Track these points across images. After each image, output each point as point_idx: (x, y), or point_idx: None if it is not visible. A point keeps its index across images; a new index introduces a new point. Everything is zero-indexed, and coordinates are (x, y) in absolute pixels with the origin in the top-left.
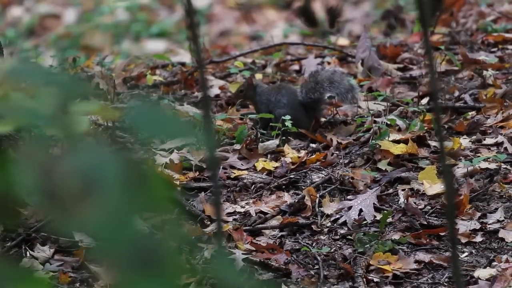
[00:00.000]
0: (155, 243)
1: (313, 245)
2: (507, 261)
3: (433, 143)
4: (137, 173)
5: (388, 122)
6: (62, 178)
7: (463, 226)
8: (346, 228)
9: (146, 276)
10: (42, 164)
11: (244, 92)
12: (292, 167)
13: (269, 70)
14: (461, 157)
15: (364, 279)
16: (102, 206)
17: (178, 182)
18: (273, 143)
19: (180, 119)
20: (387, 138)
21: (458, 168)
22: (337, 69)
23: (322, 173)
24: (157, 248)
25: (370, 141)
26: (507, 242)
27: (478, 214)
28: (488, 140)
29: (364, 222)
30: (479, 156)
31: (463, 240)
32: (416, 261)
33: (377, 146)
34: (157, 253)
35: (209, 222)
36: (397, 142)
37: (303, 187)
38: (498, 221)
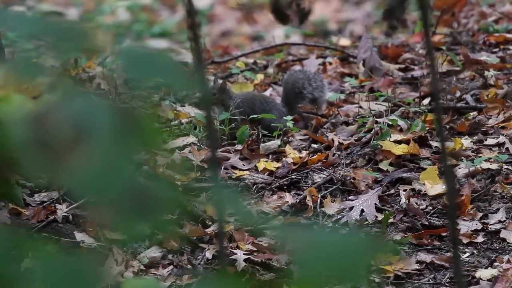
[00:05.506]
0: (147, 185)
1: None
2: (508, 261)
3: (434, 144)
4: (127, 117)
5: (390, 123)
6: (52, 127)
7: (465, 226)
8: (347, 229)
9: (140, 218)
10: (32, 114)
11: (216, 95)
12: (294, 167)
13: (270, 70)
14: (462, 158)
15: (366, 279)
16: (94, 153)
17: (179, 183)
18: (274, 143)
19: (174, 63)
20: (388, 139)
21: (459, 168)
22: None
23: (323, 174)
24: (150, 190)
25: (372, 141)
26: (508, 243)
27: (480, 214)
28: (490, 141)
29: (366, 222)
30: (480, 157)
31: (465, 241)
32: (418, 262)
33: (379, 146)
34: (150, 195)
35: (210, 223)
36: (398, 142)
37: (305, 188)
38: (500, 221)
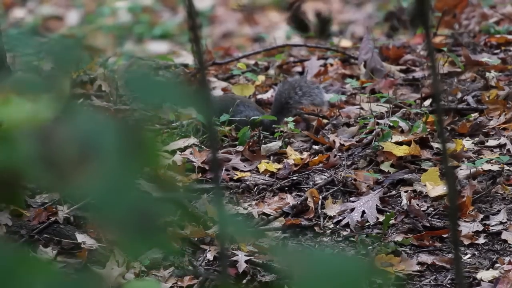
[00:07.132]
0: (153, 205)
1: (316, 246)
2: (509, 262)
3: (435, 145)
4: (133, 136)
5: (391, 124)
6: (60, 144)
7: (466, 228)
8: (348, 230)
9: (145, 237)
10: (40, 131)
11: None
12: (295, 168)
13: (271, 71)
14: (463, 159)
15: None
16: (101, 171)
17: (180, 184)
18: (275, 144)
19: (179, 87)
20: (389, 140)
21: (460, 169)
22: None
23: (324, 175)
24: (156, 210)
25: (373, 142)
26: (509, 244)
27: (481, 216)
28: (491, 142)
29: (367, 223)
30: (481, 158)
31: (466, 242)
32: (419, 263)
33: (380, 147)
34: (156, 215)
35: (211, 224)
36: (399, 143)
37: (306, 189)
38: (501, 222)
